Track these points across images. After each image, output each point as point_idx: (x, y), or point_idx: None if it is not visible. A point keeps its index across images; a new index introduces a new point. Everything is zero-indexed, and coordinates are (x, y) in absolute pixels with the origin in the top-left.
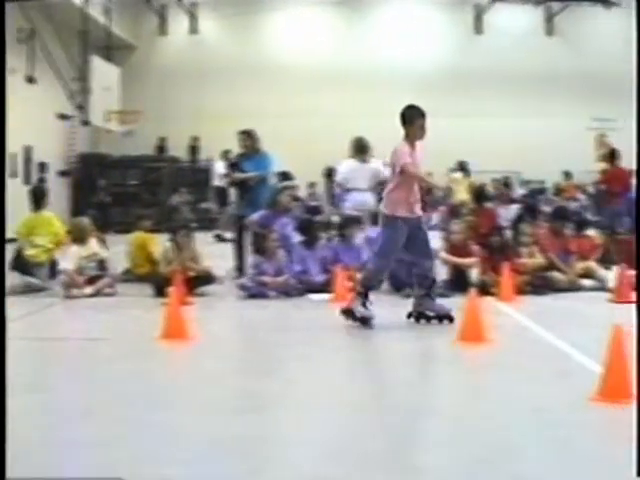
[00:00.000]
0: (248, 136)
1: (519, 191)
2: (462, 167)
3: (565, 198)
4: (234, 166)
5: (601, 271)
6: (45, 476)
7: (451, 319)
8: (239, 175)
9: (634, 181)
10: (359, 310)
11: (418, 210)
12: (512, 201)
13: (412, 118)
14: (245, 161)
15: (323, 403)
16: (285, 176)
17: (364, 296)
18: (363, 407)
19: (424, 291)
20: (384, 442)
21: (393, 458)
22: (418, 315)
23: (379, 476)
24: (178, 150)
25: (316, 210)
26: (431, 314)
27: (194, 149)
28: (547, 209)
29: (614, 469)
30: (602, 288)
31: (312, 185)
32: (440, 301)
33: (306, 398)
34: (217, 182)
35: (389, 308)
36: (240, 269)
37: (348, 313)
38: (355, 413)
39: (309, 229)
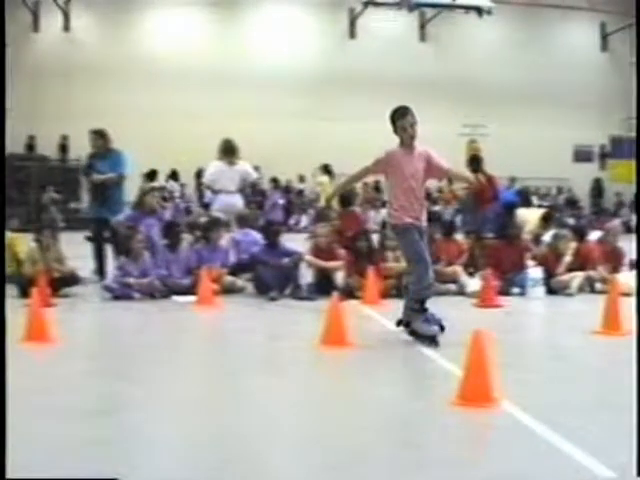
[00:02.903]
0: (100, 136)
1: None
2: (327, 170)
3: (443, 202)
4: (89, 167)
5: (464, 276)
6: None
7: (442, 328)
8: (99, 177)
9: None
10: (421, 327)
11: (422, 218)
12: (383, 204)
13: (395, 121)
14: (99, 161)
15: (181, 407)
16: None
17: (421, 311)
18: (219, 411)
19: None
20: (238, 447)
21: (246, 463)
22: (407, 324)
23: None
24: (47, 149)
25: (186, 211)
26: None
27: (64, 148)
28: None
29: (465, 471)
30: (463, 293)
31: (183, 186)
32: (307, 304)
33: (164, 401)
34: None
35: (253, 310)
36: (100, 272)
37: (412, 332)
38: (211, 417)
39: (172, 233)
